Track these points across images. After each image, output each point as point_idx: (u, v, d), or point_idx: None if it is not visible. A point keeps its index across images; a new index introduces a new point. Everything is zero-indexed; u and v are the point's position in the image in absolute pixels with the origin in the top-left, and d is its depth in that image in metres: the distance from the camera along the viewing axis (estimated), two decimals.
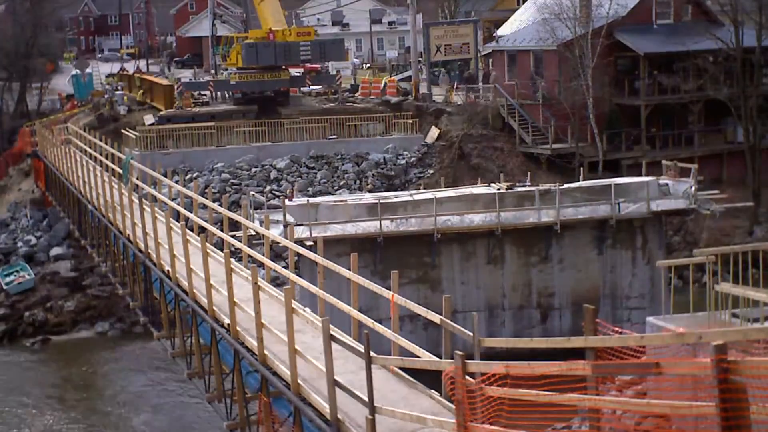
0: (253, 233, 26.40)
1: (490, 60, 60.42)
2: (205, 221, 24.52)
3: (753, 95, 47.75)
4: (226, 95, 55.52)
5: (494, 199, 34.71)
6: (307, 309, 18.43)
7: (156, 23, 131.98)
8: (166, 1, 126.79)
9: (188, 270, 20.04)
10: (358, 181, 46.43)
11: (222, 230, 23.42)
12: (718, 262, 15.71)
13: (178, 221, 23.75)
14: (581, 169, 42.58)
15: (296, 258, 22.60)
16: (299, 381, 14.29)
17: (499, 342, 13.81)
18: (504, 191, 35.58)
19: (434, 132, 50.00)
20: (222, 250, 19.77)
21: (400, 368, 14.53)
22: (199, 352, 20.91)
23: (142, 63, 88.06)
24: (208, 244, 20.26)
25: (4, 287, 43.08)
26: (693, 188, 35.50)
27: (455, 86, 56.00)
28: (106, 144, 38.93)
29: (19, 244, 46.38)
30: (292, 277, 17.07)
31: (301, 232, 32.00)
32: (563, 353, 9.58)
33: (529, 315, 35.85)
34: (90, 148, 39.96)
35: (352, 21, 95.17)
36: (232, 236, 22.31)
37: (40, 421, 32.48)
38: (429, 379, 13.84)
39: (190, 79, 62.89)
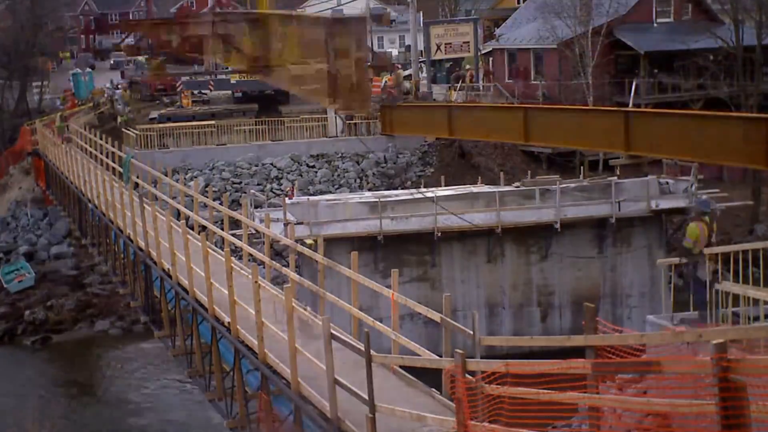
0: (254, 232, 26.40)
1: (490, 59, 60.43)
2: (206, 220, 24.53)
3: (753, 93, 47.74)
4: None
5: (494, 197, 34.74)
6: (307, 307, 18.44)
7: None
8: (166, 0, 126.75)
9: (189, 269, 20.05)
10: (358, 180, 46.43)
11: (222, 229, 23.43)
12: (718, 260, 15.72)
13: (178, 220, 23.76)
14: (582, 167, 42.59)
15: (297, 256, 22.60)
16: (299, 379, 14.30)
17: (499, 340, 13.83)
18: (504, 189, 35.65)
19: None
20: (222, 249, 19.78)
21: (401, 366, 14.53)
22: (200, 350, 20.92)
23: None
24: (208, 243, 20.28)
25: (5, 286, 43.10)
26: (693, 186, 35.50)
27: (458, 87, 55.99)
28: (107, 142, 38.93)
29: (20, 242, 46.41)
30: (293, 275, 17.08)
31: (301, 230, 32.02)
32: (563, 352, 9.59)
33: (529, 313, 35.87)
34: (90, 146, 39.96)
35: None
36: (233, 235, 22.32)
37: (39, 420, 32.47)
38: (429, 377, 13.85)
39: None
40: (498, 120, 41.11)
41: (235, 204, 40.24)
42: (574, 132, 36.56)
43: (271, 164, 47.40)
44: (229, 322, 17.67)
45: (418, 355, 13.32)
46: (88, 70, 68.30)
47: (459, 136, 43.95)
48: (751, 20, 50.04)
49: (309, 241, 29.06)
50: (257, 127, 49.38)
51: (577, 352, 9.59)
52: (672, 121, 33.25)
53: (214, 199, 27.52)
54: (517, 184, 37.51)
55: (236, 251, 22.65)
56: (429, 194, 35.63)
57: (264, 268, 22.08)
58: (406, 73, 63.32)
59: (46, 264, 44.95)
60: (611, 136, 37.77)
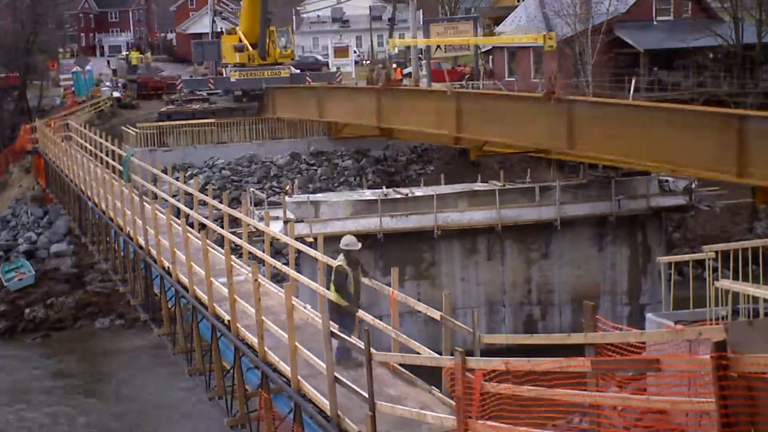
0: (254, 230, 26.39)
1: (490, 57, 60.41)
2: (206, 218, 24.53)
3: (753, 92, 47.75)
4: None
5: (494, 195, 34.75)
6: (307, 305, 18.44)
7: (156, 20, 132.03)
8: None
9: (189, 267, 20.07)
10: (358, 178, 46.43)
11: (222, 227, 23.43)
12: (718, 258, 15.71)
13: (178, 218, 23.77)
14: (582, 165, 42.54)
15: (296, 254, 22.60)
16: (299, 377, 14.31)
17: (499, 338, 13.82)
18: (504, 187, 35.68)
19: None
20: (222, 247, 19.79)
21: (400, 364, 14.53)
22: (200, 348, 20.93)
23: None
24: (208, 241, 20.28)
25: (5, 284, 43.11)
26: (693, 185, 35.52)
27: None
28: (107, 141, 38.92)
29: (20, 240, 46.40)
30: (293, 273, 17.07)
31: (301, 228, 32.04)
32: (563, 349, 9.61)
33: (529, 311, 35.89)
34: (90, 144, 39.96)
35: (352, 18, 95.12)
36: (233, 233, 22.32)
37: (39, 417, 32.50)
38: (429, 375, 13.85)
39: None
40: (357, 101, 40.22)
41: (235, 202, 40.23)
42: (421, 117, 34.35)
43: (271, 162, 47.40)
44: (228, 320, 17.68)
45: (419, 353, 13.32)
46: (88, 68, 68.22)
47: (328, 119, 44.21)
48: (751, 18, 50.07)
49: (309, 240, 29.11)
50: (257, 125, 49.36)
51: (577, 350, 9.60)
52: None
53: (213, 197, 27.50)
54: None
55: (236, 249, 22.65)
56: (429, 192, 35.65)
57: (264, 266, 22.09)
58: (406, 71, 63.34)
59: (46, 262, 44.95)
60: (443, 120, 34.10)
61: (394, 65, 38.50)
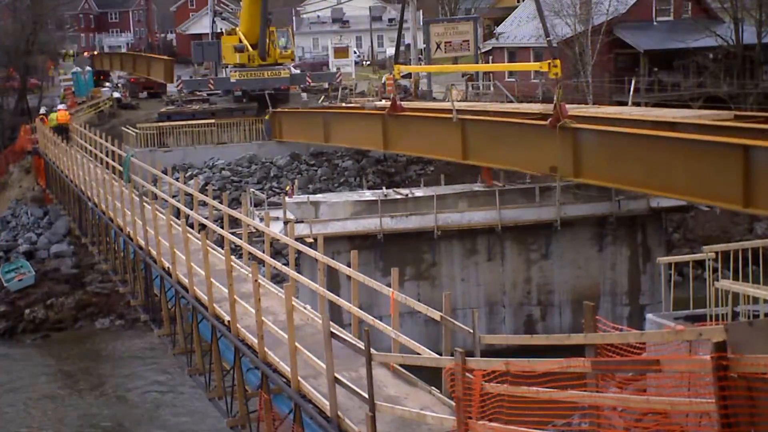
0: (254, 230, 26.39)
1: (490, 57, 60.42)
2: (206, 218, 24.53)
3: (753, 92, 47.76)
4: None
5: (494, 196, 34.76)
6: (307, 306, 18.46)
7: (156, 20, 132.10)
8: None
9: (189, 267, 20.07)
10: (358, 178, 46.43)
11: (222, 227, 23.43)
12: (718, 259, 15.70)
13: (178, 218, 23.77)
14: None
15: (296, 255, 22.60)
16: (299, 378, 14.31)
17: (499, 339, 13.81)
18: (504, 188, 35.69)
19: None
20: (222, 247, 19.79)
21: (400, 365, 14.53)
22: (200, 349, 20.94)
23: None
24: (208, 241, 20.28)
25: (5, 284, 43.10)
26: None
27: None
28: (107, 141, 38.92)
29: (20, 241, 46.40)
30: (293, 274, 17.07)
31: (301, 229, 32.05)
32: (563, 350, 9.61)
33: (529, 312, 35.88)
34: (90, 145, 39.95)
35: (352, 18, 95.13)
36: (233, 233, 22.32)
37: (39, 417, 32.50)
38: (429, 375, 13.85)
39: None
40: (363, 126, 40.71)
41: (235, 202, 40.24)
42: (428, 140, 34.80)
43: (271, 163, 47.41)
44: (228, 321, 17.68)
45: (419, 354, 13.31)
46: (88, 68, 68.30)
47: (334, 143, 44.41)
48: (750, 19, 50.09)
49: (309, 240, 29.11)
50: (257, 125, 49.39)
51: (577, 351, 9.60)
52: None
53: (213, 198, 27.48)
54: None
55: (236, 250, 22.66)
56: (429, 192, 35.66)
57: (264, 266, 22.09)
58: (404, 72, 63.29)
59: (46, 263, 44.93)
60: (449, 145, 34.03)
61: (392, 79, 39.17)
